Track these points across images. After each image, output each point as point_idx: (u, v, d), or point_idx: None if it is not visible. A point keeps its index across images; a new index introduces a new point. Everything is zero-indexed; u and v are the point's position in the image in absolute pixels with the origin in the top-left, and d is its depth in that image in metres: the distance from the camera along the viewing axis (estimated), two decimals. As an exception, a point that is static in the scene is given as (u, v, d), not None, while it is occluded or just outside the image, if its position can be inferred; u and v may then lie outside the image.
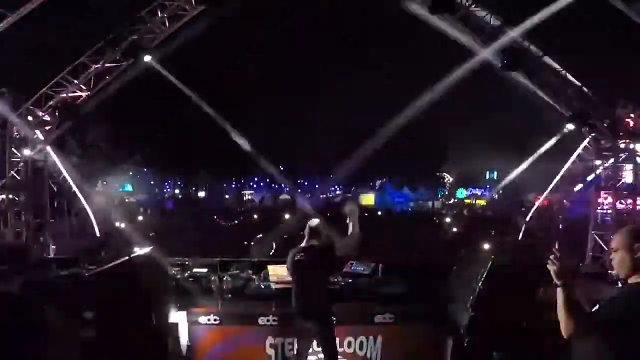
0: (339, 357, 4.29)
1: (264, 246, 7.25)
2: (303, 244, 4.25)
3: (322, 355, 4.18)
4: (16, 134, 9.29)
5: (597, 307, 2.19)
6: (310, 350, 4.22)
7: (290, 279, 4.81)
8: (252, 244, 7.52)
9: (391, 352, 4.51)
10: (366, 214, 30.61)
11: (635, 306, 2.02)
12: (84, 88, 9.34)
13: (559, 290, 2.25)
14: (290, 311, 4.21)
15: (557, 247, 2.34)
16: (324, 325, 4.06)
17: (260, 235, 7.75)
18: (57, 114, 9.41)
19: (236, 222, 26.37)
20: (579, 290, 2.49)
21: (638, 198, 9.41)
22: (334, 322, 4.14)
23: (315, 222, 4.30)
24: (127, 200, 33.25)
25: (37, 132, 9.53)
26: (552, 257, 2.30)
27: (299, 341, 4.19)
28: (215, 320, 4.36)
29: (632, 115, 9.04)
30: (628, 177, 9.42)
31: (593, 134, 9.28)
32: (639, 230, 2.17)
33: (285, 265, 4.98)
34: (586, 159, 10.15)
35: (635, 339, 1.97)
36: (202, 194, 42.82)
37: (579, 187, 10.91)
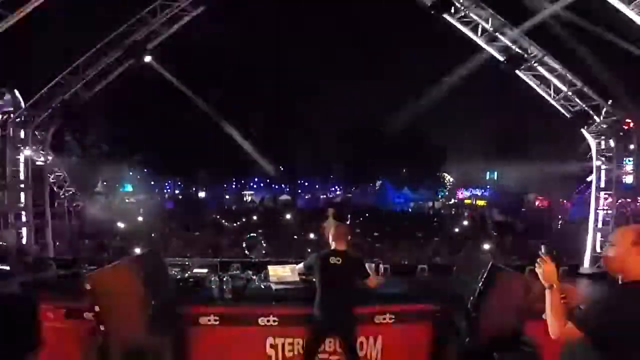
0: (339, 357, 4.31)
1: (256, 245, 7.39)
2: (333, 247, 4.25)
3: (333, 357, 4.30)
4: (16, 134, 9.29)
5: (584, 307, 2.19)
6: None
7: (290, 279, 4.82)
8: (244, 243, 7.60)
9: (391, 352, 4.51)
10: (367, 214, 30.57)
11: (621, 307, 2.00)
12: (84, 88, 9.35)
13: (547, 292, 2.29)
14: (296, 311, 4.25)
15: (542, 250, 2.37)
16: (351, 328, 4.11)
17: (252, 234, 7.84)
18: (57, 114, 9.42)
19: (238, 222, 26.37)
20: (578, 291, 2.50)
21: (638, 198, 9.42)
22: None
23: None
24: (127, 200, 33.22)
25: (37, 132, 9.54)
26: (538, 259, 2.33)
27: (312, 342, 4.18)
28: (215, 320, 4.36)
29: (633, 115, 9.05)
30: (628, 177, 9.42)
31: (593, 134, 9.28)
32: (637, 231, 2.15)
33: (287, 266, 5.01)
34: (586, 159, 10.16)
35: (622, 339, 1.96)
36: (202, 194, 42.73)
37: (579, 187, 10.92)
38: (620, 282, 2.15)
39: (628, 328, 1.95)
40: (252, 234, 7.75)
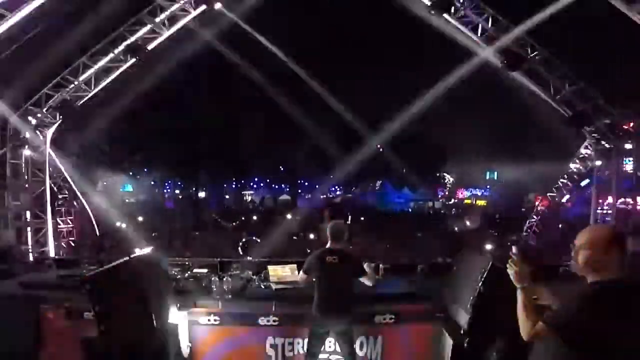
0: (340, 357, 4.31)
1: (251, 248, 7.40)
2: (329, 246, 4.23)
3: (332, 357, 4.31)
4: (16, 134, 9.28)
5: (556, 307, 2.17)
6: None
7: (290, 279, 4.82)
8: (240, 246, 7.58)
9: (391, 352, 4.51)
10: (367, 214, 30.53)
11: (595, 307, 1.98)
12: (84, 88, 9.35)
13: (518, 293, 2.28)
14: (296, 311, 4.27)
15: (514, 250, 2.36)
16: (350, 327, 4.11)
17: (246, 239, 7.84)
18: (57, 114, 9.43)
19: (237, 222, 26.37)
20: (550, 291, 2.50)
21: (638, 198, 9.42)
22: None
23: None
24: (127, 200, 33.24)
25: (37, 132, 9.54)
26: (510, 260, 2.32)
27: (313, 342, 4.16)
28: (215, 320, 4.36)
29: (632, 115, 9.05)
30: (628, 177, 9.43)
31: (593, 134, 9.28)
32: (613, 231, 2.15)
33: (286, 266, 5.01)
34: (586, 159, 10.16)
35: (594, 339, 1.95)
36: (202, 194, 42.71)
37: (579, 187, 10.91)
38: (589, 281, 2.12)
39: (601, 328, 1.93)
40: (247, 239, 7.73)
